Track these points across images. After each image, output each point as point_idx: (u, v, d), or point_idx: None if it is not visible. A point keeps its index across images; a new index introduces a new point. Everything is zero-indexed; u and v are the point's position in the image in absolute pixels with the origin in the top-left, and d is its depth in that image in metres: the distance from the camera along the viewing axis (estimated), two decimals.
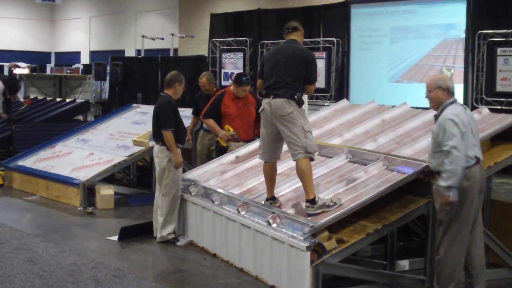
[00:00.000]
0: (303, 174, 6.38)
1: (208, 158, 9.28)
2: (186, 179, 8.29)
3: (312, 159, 6.47)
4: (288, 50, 6.62)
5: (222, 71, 15.66)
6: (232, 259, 7.12)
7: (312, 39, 13.76)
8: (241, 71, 14.54)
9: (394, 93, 12.63)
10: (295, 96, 6.42)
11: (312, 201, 6.27)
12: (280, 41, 14.22)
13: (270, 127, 6.62)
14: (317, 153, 6.66)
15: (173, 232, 8.03)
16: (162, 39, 20.71)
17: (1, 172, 11.86)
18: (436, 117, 5.81)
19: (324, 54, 13.48)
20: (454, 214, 5.65)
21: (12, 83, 14.12)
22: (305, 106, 6.90)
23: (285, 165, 7.53)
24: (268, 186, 6.81)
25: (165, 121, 7.93)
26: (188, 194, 8.08)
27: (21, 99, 14.02)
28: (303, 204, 6.43)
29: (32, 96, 17.23)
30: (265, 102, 6.60)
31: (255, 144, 8.70)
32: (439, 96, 5.77)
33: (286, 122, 6.42)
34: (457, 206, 5.61)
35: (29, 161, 11.77)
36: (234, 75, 9.45)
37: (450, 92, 5.76)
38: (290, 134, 6.41)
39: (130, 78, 17.83)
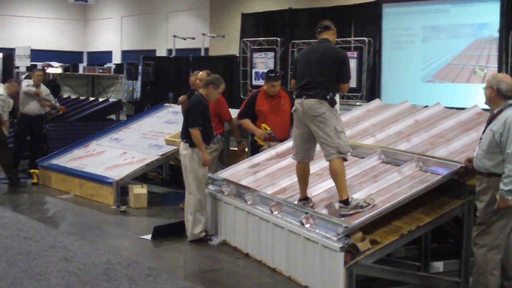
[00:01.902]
0: (336, 175, 6.38)
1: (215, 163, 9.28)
2: (219, 179, 8.32)
3: (345, 160, 6.46)
4: (320, 50, 6.60)
5: (253, 70, 15.66)
6: (265, 259, 7.14)
7: (344, 39, 13.70)
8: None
9: (426, 93, 12.51)
10: (327, 96, 6.40)
11: (345, 202, 6.26)
12: (311, 40, 14.20)
13: (302, 127, 6.62)
14: (350, 153, 6.63)
15: (204, 230, 8.06)
16: (193, 38, 20.76)
17: (36, 171, 12.00)
18: (493, 116, 5.77)
19: (355, 54, 13.39)
20: (502, 214, 5.62)
21: (53, 85, 14.29)
22: (337, 106, 6.88)
23: (317, 165, 7.52)
24: (301, 186, 6.81)
25: (193, 119, 7.98)
26: (220, 194, 8.11)
27: (57, 104, 14.14)
28: (336, 205, 6.42)
29: (65, 96, 17.40)
30: (297, 102, 6.60)
31: (288, 144, 8.72)
32: (489, 95, 5.76)
33: (318, 122, 6.41)
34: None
35: (63, 160, 11.91)
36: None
37: (501, 93, 5.72)
38: (323, 134, 6.40)
39: (162, 78, 17.89)
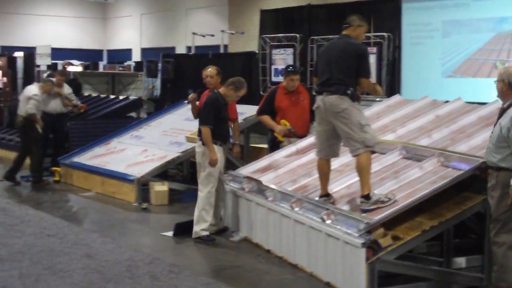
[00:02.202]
0: (361, 169, 6.35)
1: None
2: (239, 175, 8.34)
3: (373, 152, 6.44)
4: (339, 46, 6.60)
5: (273, 67, 15.68)
6: (287, 255, 7.15)
7: None
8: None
9: (447, 88, 12.47)
10: (348, 92, 6.38)
11: (366, 197, 6.26)
12: (330, 36, 14.17)
13: (325, 124, 6.60)
14: (377, 145, 6.58)
15: (207, 228, 7.97)
16: (213, 35, 20.80)
17: (58, 169, 12.09)
18: (503, 110, 5.74)
19: (375, 49, 13.38)
20: None
21: (75, 84, 14.47)
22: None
23: (337, 162, 7.52)
24: (322, 183, 6.82)
25: (204, 117, 7.99)
26: (241, 190, 8.12)
27: (79, 102, 14.25)
28: (358, 200, 6.42)
29: (86, 94, 17.51)
30: (319, 99, 6.60)
31: (308, 140, 8.72)
32: (500, 88, 5.75)
33: (342, 118, 6.39)
34: None
35: (85, 158, 11.98)
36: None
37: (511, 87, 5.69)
38: (347, 130, 6.37)
39: (181, 75, 17.97)
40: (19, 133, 12.06)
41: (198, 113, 8.98)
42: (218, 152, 8.01)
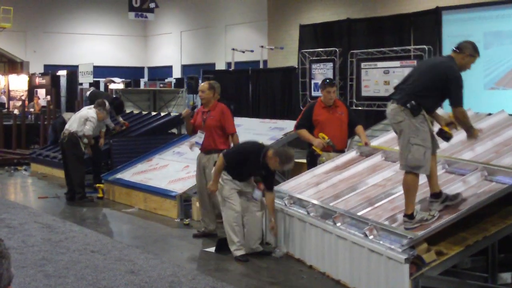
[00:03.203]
0: (405, 188, 6.21)
1: (202, 179, 8.87)
2: (281, 191, 8.34)
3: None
4: (433, 62, 6.44)
5: (312, 81, 15.70)
6: (329, 271, 7.11)
7: (403, 47, 13.62)
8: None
9: (489, 100, 12.34)
10: (408, 105, 6.08)
11: (410, 216, 6.15)
12: (370, 50, 14.14)
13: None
14: (423, 169, 6.14)
15: (239, 248, 7.87)
16: (252, 51, 20.95)
17: (102, 185, 12.23)
18: None
19: (415, 62, 13.31)
20: None
21: (118, 103, 14.63)
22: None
23: (380, 176, 7.52)
24: (430, 181, 6.40)
25: (229, 152, 8.04)
26: (283, 206, 8.12)
27: (120, 119, 14.40)
28: (400, 217, 6.36)
29: (127, 111, 17.72)
30: (388, 104, 6.42)
31: (349, 155, 8.69)
32: None
33: (396, 130, 6.28)
34: None
35: (127, 174, 12.08)
36: None
37: None
38: (399, 142, 6.26)
39: (222, 91, 18.02)
40: (61, 148, 12.22)
41: (192, 130, 9.01)
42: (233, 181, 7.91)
